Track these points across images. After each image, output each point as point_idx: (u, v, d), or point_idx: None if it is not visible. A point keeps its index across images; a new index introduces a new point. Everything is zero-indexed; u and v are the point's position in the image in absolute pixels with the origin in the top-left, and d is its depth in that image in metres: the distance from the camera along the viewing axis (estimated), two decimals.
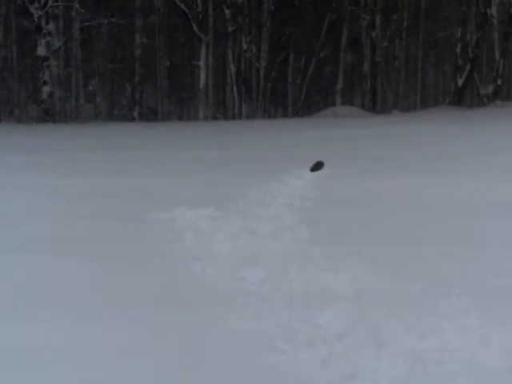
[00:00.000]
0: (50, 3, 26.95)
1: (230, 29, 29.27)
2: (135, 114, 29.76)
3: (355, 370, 3.70)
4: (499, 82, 29.69)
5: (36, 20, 26.81)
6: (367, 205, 8.29)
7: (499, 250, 6.12)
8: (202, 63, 28.91)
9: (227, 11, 29.09)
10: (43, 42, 26.79)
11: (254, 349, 3.97)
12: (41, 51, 26.79)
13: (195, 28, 28.67)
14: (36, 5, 26.59)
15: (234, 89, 29.56)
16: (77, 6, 28.62)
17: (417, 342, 4.01)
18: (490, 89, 29.40)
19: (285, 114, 32.00)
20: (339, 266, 5.49)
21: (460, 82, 29.61)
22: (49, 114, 26.98)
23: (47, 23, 27.15)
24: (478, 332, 4.15)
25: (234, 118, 29.20)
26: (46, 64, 26.88)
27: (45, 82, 26.94)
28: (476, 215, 7.58)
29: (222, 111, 30.50)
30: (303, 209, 8.01)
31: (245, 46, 29.65)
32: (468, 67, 29.51)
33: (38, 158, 13.42)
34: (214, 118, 29.20)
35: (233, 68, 29.49)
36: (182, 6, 28.76)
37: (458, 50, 29.81)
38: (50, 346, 4.07)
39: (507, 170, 10.23)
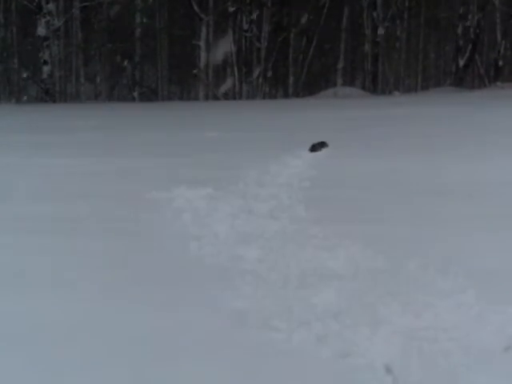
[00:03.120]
0: None
1: (231, 9, 29.15)
2: (135, 94, 29.71)
3: (350, 348, 3.71)
4: (500, 63, 29.61)
5: None
6: (366, 185, 8.29)
7: (498, 230, 6.12)
8: (202, 43, 28.83)
9: None
10: (43, 21, 26.68)
11: (249, 327, 3.99)
12: (41, 31, 26.68)
13: (196, 8, 28.56)
14: None
15: (235, 69, 29.48)
16: None
17: (412, 321, 4.02)
18: None
19: (285, 95, 31.92)
20: (336, 245, 5.51)
21: (461, 62, 29.53)
22: (49, 94, 26.92)
23: (47, 3, 27.01)
24: (474, 311, 4.17)
25: (234, 98, 29.14)
26: (45, 44, 26.79)
27: (45, 62, 26.86)
28: (475, 195, 7.59)
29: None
30: (302, 189, 8.01)
31: (245, 26, 29.55)
32: (469, 48, 29.42)
33: (36, 137, 13.40)
34: (215, 98, 29.13)
35: (233, 48, 29.40)
36: None
37: (460, 30, 29.70)
38: (47, 325, 4.09)
39: (506, 151, 10.23)
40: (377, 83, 31.24)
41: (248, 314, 4.16)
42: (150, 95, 31.11)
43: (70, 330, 4.00)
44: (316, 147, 10.97)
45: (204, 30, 28.75)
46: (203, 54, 28.89)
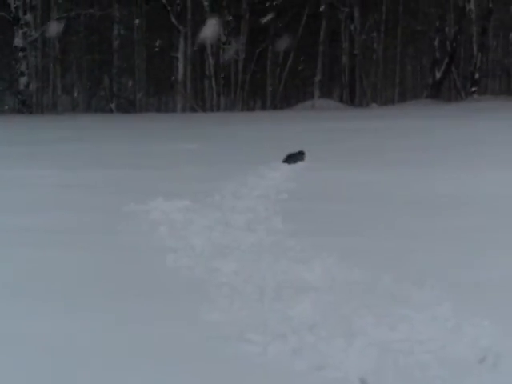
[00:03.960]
0: None
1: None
2: (113, 105, 29.65)
3: (325, 360, 3.70)
4: (477, 75, 29.83)
5: (13, 10, 26.63)
6: (343, 197, 8.32)
7: (473, 243, 6.14)
8: (180, 55, 28.84)
9: (206, 3, 29.01)
10: (20, 32, 26.64)
11: (224, 340, 3.97)
12: (18, 42, 26.64)
13: (174, 19, 28.58)
14: None
15: (213, 81, 29.50)
16: None
17: (387, 333, 4.02)
18: None
19: (263, 107, 31.98)
20: (312, 257, 5.50)
21: (438, 75, 29.73)
22: (25, 105, 26.85)
23: (25, 14, 26.99)
24: (450, 323, 4.17)
25: (212, 110, 29.16)
26: (23, 55, 26.73)
27: (22, 73, 26.81)
28: (452, 208, 7.62)
29: (201, 103, 30.43)
30: (279, 201, 8.02)
31: (223, 38, 29.59)
32: (446, 61, 29.62)
33: (13, 149, 13.35)
34: (192, 110, 29.13)
35: (211, 60, 29.42)
36: None
37: (436, 43, 29.91)
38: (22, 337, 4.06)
39: (486, 163, 10.30)
40: (354, 95, 31.38)
41: (224, 327, 4.15)
42: (128, 107, 31.05)
43: (44, 343, 3.97)
44: (291, 158, 10.98)
45: (182, 41, 28.77)
46: (181, 66, 28.90)
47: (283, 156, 11.09)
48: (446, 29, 30.12)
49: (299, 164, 10.90)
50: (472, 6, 29.92)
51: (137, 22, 30.27)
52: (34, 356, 3.81)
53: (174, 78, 30.03)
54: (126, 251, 5.93)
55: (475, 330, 4.07)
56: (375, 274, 5.08)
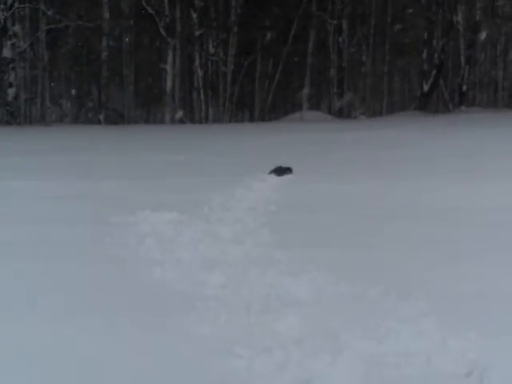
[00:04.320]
0: (16, 4, 26.77)
1: (197, 32, 29.22)
2: (101, 117, 29.62)
3: (311, 374, 3.69)
4: (464, 87, 29.95)
5: (1, 21, 26.60)
6: (331, 209, 8.32)
7: (459, 255, 6.15)
8: (168, 67, 28.84)
9: (194, 15, 29.05)
10: (9, 43, 26.61)
11: (210, 354, 3.96)
12: (6, 53, 26.59)
13: (162, 31, 28.60)
14: (2, 6, 26.39)
15: (201, 93, 29.51)
16: (43, 7, 28.43)
17: (374, 347, 4.01)
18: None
19: (252, 119, 31.99)
20: (300, 270, 5.49)
21: (426, 87, 29.82)
22: (14, 117, 26.79)
23: (13, 25, 26.97)
24: (436, 336, 4.17)
25: (200, 121, 29.15)
26: (11, 66, 26.69)
27: (10, 84, 26.76)
28: (437, 220, 7.64)
29: (189, 115, 30.42)
30: (267, 213, 8.01)
31: (212, 50, 29.62)
32: (434, 73, 29.73)
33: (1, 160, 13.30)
34: (181, 121, 29.12)
35: (200, 72, 29.43)
36: (149, 8, 28.69)
37: (424, 55, 30.02)
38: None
39: (472, 175, 10.31)
40: (342, 107, 31.44)
41: (210, 341, 4.14)
42: (116, 118, 31.00)
43: (31, 356, 3.96)
44: (278, 171, 10.98)
45: (170, 53, 28.78)
46: (169, 78, 28.90)
47: (271, 168, 11.09)
48: (434, 41, 30.23)
49: (286, 176, 10.89)
50: (460, 18, 30.05)
51: (127, 39, 30.35)
52: (24, 365, 3.79)
53: (162, 89, 30.05)
54: (113, 263, 5.91)
55: (461, 344, 4.07)
56: (362, 287, 5.07)
